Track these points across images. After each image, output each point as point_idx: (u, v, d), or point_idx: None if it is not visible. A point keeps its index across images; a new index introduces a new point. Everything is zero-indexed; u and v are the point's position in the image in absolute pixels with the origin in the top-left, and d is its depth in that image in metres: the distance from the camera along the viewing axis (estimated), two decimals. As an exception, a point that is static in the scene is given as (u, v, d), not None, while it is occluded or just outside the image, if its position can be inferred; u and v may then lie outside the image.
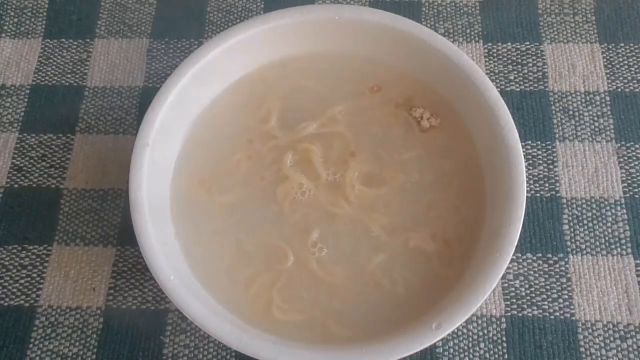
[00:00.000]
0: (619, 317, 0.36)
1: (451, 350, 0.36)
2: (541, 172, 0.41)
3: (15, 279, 0.38)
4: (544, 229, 0.39)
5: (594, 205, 0.39)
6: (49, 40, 0.47)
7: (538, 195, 0.40)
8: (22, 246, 0.39)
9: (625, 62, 0.44)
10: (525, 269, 0.38)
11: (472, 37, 0.46)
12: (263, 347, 0.30)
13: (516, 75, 0.44)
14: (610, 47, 0.45)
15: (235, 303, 0.33)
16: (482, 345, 0.36)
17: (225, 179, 0.36)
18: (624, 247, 0.38)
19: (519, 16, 0.47)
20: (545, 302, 0.37)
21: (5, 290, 0.38)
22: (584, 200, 0.40)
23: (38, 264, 0.39)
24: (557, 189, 0.40)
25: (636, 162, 0.41)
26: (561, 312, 0.36)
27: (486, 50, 0.45)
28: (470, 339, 0.36)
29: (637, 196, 0.40)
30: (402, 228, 0.35)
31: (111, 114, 0.44)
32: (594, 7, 0.47)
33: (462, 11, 0.47)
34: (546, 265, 0.38)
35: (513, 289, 0.37)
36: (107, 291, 0.38)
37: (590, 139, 0.42)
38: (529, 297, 0.37)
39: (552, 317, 0.36)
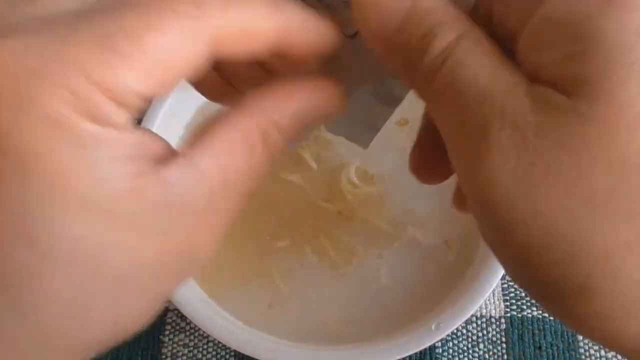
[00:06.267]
0: (618, 318, 0.36)
1: (450, 351, 0.36)
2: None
3: (15, 278, 0.38)
4: (544, 229, 0.39)
5: (594, 206, 0.39)
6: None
7: (538, 196, 0.40)
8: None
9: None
10: (525, 270, 0.38)
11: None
12: (262, 346, 0.30)
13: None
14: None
15: (235, 302, 0.33)
16: (481, 345, 0.36)
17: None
18: (624, 248, 0.38)
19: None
20: (545, 303, 0.37)
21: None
22: (583, 201, 0.40)
23: (37, 262, 0.39)
24: (557, 189, 0.40)
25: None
26: (561, 313, 0.36)
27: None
28: (470, 339, 0.36)
29: (637, 197, 0.40)
30: (402, 228, 0.35)
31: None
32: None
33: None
34: (546, 266, 0.38)
35: (513, 289, 0.37)
36: (107, 290, 0.38)
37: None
38: (528, 298, 0.37)
39: (551, 317, 0.36)
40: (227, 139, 0.16)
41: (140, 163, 0.15)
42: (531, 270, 0.14)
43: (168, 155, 0.15)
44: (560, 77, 0.13)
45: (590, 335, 0.14)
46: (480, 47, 0.15)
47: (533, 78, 0.14)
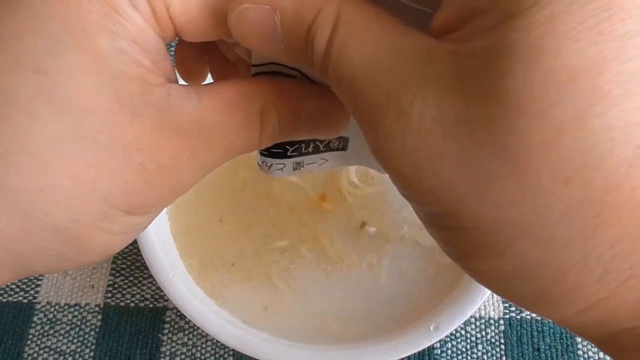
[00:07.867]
0: (617, 320, 0.36)
1: (449, 352, 0.36)
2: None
3: (14, 275, 0.38)
4: (544, 231, 0.39)
5: (594, 209, 0.39)
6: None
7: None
8: (22, 242, 0.39)
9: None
10: (524, 272, 0.38)
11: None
12: (261, 346, 0.30)
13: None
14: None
15: (234, 302, 0.33)
16: (480, 347, 0.36)
17: (220, 179, 0.37)
18: (623, 250, 0.38)
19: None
20: (544, 305, 0.37)
21: (4, 286, 0.38)
22: (583, 203, 0.40)
23: (37, 260, 0.39)
24: (557, 191, 0.40)
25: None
26: (560, 314, 0.36)
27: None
28: (469, 340, 0.36)
29: (637, 200, 0.40)
30: (401, 228, 0.35)
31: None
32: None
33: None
34: (545, 268, 0.38)
35: (512, 291, 0.37)
36: (106, 288, 0.38)
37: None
38: (527, 300, 0.37)
39: (550, 320, 0.36)
40: (231, 92, 0.17)
41: (155, 71, 0.16)
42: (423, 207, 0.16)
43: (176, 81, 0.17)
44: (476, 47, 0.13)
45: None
46: (360, 26, 0.15)
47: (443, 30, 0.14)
